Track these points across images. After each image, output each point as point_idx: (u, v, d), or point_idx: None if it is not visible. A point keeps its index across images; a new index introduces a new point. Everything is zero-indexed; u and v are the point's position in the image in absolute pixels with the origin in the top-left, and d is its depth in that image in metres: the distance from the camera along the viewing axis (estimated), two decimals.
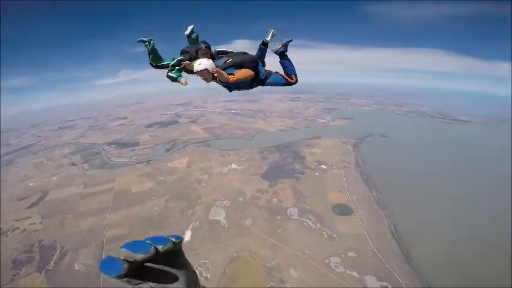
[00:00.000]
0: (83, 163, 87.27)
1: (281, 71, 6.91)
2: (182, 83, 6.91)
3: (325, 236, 47.74)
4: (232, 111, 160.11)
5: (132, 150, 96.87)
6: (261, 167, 76.54)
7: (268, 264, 40.99)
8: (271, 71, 6.85)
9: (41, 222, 54.18)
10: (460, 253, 44.69)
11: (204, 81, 6.33)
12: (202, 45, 7.37)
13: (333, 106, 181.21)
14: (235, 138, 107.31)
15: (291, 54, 6.99)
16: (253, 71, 6.45)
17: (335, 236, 47.78)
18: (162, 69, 7.55)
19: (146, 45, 7.38)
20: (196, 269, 40.01)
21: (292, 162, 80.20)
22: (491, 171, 79.14)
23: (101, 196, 63.44)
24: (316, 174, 73.15)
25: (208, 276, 38.93)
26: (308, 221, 51.88)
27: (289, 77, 6.76)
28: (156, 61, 7.56)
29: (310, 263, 41.55)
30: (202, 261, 41.64)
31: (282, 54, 6.88)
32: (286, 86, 7.00)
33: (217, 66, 6.25)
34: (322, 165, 78.43)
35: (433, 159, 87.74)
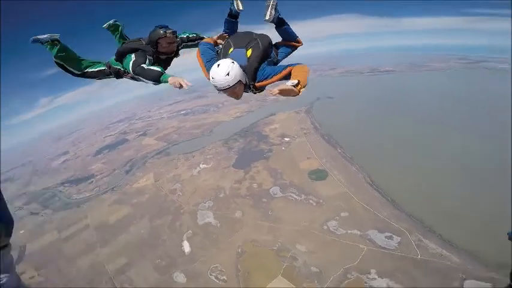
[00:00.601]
0: (43, 210, 77.79)
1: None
2: (179, 85, 4.30)
3: (314, 204, 50.48)
4: (182, 112, 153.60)
5: (90, 182, 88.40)
6: (230, 158, 76.67)
7: (274, 248, 42.05)
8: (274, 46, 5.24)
9: (39, 275, 49.08)
10: (438, 186, 50.52)
11: (232, 98, 4.44)
12: (164, 31, 4.87)
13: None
14: (194, 138, 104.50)
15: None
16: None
17: (321, 201, 50.78)
18: (94, 79, 5.35)
19: (48, 47, 4.73)
20: (210, 275, 40.00)
21: (258, 144, 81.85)
22: (423, 110, 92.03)
23: (81, 235, 58.46)
24: (283, 148, 76.05)
25: (225, 278, 38.92)
26: (292, 194, 54.26)
27: (296, 41, 5.38)
28: (76, 67, 5.02)
29: (311, 233, 43.57)
30: (213, 266, 41.48)
31: (279, 20, 5.05)
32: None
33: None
34: (285, 138, 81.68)
35: (376, 109, 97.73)
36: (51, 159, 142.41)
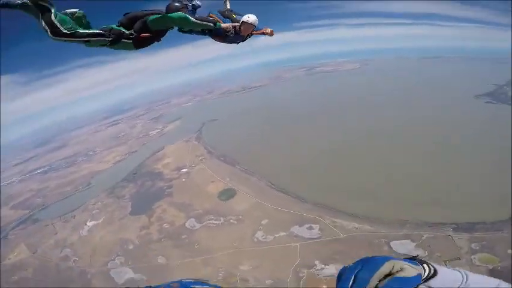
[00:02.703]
0: None
1: None
2: (232, 28, 6.72)
3: (235, 222, 49.77)
4: (39, 171, 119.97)
5: None
6: (123, 207, 65.99)
7: (219, 278, 38.80)
8: None
9: None
10: (325, 173, 59.13)
11: (247, 32, 6.85)
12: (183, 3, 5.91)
13: (158, 114, 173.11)
14: (67, 197, 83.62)
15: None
16: None
17: (241, 217, 50.69)
18: (78, 41, 4.59)
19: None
20: None
21: (153, 183, 74.26)
22: (293, 114, 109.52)
23: None
24: (183, 180, 72.13)
25: None
26: (211, 221, 51.87)
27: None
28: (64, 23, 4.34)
29: (246, 251, 42.55)
30: None
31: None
32: None
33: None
34: (182, 170, 77.74)
35: (257, 121, 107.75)
36: None
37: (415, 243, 38.19)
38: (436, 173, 54.56)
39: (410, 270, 1.39)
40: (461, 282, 1.61)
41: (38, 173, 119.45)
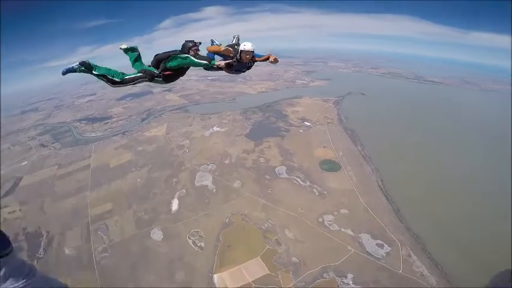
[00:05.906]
0: (53, 143, 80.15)
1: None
2: (219, 65, 6.83)
3: (316, 194, 47.35)
4: (210, 78, 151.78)
5: (106, 123, 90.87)
6: (244, 128, 74.99)
7: (262, 227, 39.94)
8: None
9: (20, 210, 49.03)
10: (444, 205, 45.14)
11: (245, 60, 7.25)
12: (193, 42, 7.09)
13: (311, 69, 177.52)
14: (215, 102, 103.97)
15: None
16: None
17: (325, 193, 47.54)
18: (129, 84, 6.69)
19: (82, 71, 6.02)
20: (188, 239, 38.51)
21: (276, 121, 79.24)
22: (464, 127, 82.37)
23: (77, 175, 58.75)
24: (301, 131, 72.88)
25: (203, 245, 37.43)
26: (297, 178, 51.34)
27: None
28: (116, 76, 6.48)
29: (304, 223, 40.89)
30: (194, 230, 40.03)
31: None
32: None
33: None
34: (305, 122, 78.34)
35: (410, 115, 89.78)
36: (76, 97, 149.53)
37: None
38: None
39: None
40: None
41: (209, 79, 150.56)
